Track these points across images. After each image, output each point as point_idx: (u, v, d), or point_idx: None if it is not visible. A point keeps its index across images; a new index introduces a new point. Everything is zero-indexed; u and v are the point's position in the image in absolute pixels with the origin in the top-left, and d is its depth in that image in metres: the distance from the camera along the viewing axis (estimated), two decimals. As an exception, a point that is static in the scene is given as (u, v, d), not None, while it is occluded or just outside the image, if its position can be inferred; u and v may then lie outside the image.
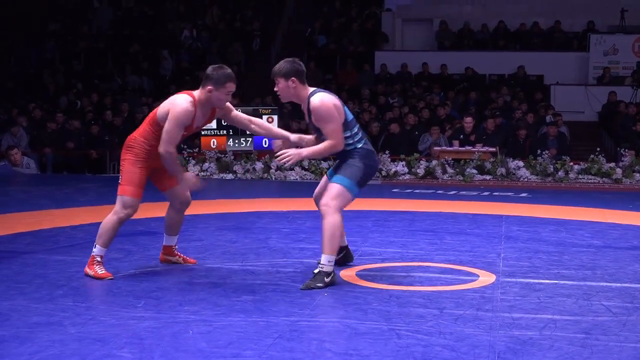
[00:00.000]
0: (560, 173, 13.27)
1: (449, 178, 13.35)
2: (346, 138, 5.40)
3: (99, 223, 5.60)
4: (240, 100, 17.02)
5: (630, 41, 19.86)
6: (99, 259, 5.51)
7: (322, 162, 13.43)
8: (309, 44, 21.75)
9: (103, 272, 5.46)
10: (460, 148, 14.16)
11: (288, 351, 3.97)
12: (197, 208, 9.31)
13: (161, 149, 5.33)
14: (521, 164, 13.49)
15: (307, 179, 13.21)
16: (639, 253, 6.77)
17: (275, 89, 5.44)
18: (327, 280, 5.27)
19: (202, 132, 13.90)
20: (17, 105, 17.61)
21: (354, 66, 20.55)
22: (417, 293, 5.26)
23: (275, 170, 13.45)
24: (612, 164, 13.45)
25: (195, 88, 5.53)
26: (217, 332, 4.26)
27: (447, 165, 13.53)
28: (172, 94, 5.66)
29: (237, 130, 13.75)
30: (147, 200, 10.12)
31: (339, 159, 5.57)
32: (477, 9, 22.25)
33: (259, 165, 13.49)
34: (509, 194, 11.31)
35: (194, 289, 5.25)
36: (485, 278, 5.72)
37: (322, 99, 5.32)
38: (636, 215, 9.22)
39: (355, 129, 5.48)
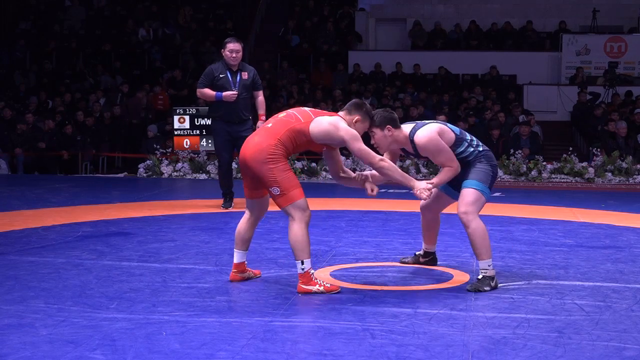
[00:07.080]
0: (533, 172, 13.35)
1: (423, 178, 13.38)
2: (466, 148, 5.45)
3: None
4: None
5: (602, 41, 19.98)
6: (312, 271, 5.19)
7: (296, 162, 13.42)
8: (282, 43, 21.71)
9: (330, 285, 5.22)
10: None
11: (262, 352, 3.96)
12: (170, 208, 9.29)
13: (381, 163, 5.38)
14: (494, 163, 13.54)
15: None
16: (611, 252, 6.81)
17: (372, 141, 5.57)
18: (492, 284, 5.31)
19: (175, 132, 13.80)
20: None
21: (328, 66, 20.54)
22: (391, 293, 5.27)
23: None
24: (585, 164, 13.54)
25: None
26: (191, 333, 4.24)
27: (420, 165, 13.57)
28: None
29: (210, 130, 13.65)
30: (119, 201, 10.14)
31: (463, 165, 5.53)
32: (449, 8, 22.31)
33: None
34: (482, 193, 11.34)
35: (167, 290, 5.22)
36: (459, 277, 5.74)
37: (426, 136, 5.37)
38: (608, 214, 9.28)
39: (469, 137, 5.53)
